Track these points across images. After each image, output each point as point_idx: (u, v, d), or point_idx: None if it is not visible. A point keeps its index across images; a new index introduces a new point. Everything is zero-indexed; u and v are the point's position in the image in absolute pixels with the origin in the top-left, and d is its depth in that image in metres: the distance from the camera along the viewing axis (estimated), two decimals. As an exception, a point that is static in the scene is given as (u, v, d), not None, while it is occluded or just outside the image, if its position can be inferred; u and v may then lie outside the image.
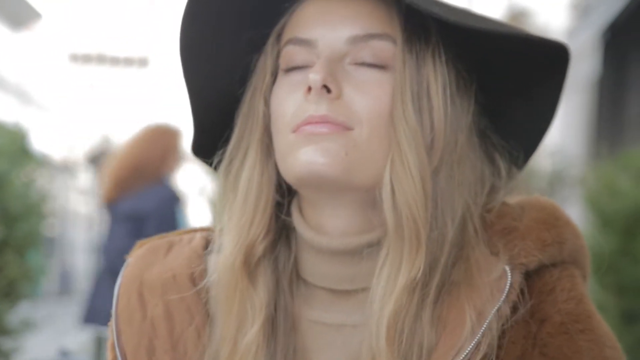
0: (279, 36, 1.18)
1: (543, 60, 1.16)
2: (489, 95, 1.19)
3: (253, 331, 1.13)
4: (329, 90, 1.10)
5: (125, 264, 1.23)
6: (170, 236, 1.25)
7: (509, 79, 1.19)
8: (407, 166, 1.09)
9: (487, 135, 1.19)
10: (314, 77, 1.09)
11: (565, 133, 11.28)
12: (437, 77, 1.12)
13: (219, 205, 1.20)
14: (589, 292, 1.16)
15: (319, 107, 1.10)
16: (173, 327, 1.16)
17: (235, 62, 1.19)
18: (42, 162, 5.96)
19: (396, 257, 1.09)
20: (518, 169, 1.22)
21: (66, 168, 30.49)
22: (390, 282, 1.09)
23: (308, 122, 1.10)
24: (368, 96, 1.11)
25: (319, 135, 1.09)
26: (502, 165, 1.19)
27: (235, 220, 1.16)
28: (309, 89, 1.10)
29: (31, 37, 24.98)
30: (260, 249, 1.15)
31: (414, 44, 1.12)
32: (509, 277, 1.09)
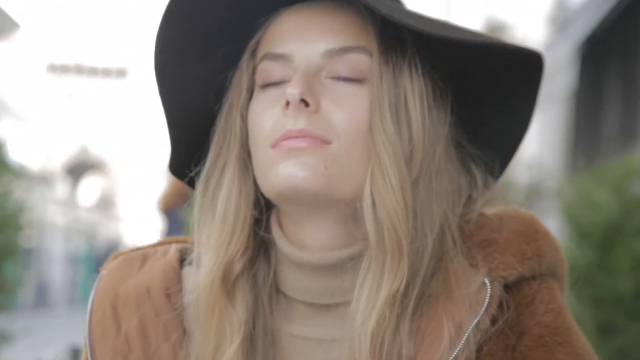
0: (254, 51, 1.17)
1: (518, 69, 1.16)
2: (465, 104, 1.19)
3: (232, 349, 1.13)
4: (307, 105, 1.10)
5: (99, 277, 1.22)
6: (144, 248, 1.25)
7: (484, 88, 1.19)
8: (387, 178, 1.09)
9: (463, 145, 1.19)
10: (292, 91, 1.09)
11: (543, 145, 11.32)
12: (414, 89, 1.12)
13: (196, 222, 1.19)
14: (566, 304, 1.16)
15: (297, 122, 1.09)
16: (148, 343, 1.15)
17: (210, 78, 1.18)
18: (20, 172, 5.93)
19: (378, 269, 1.09)
20: (494, 179, 1.22)
21: (44, 179, 30.36)
22: (372, 295, 1.09)
23: (287, 137, 1.10)
24: (346, 109, 1.11)
25: (298, 149, 1.09)
26: (478, 175, 1.19)
27: (214, 238, 1.15)
28: (287, 103, 1.10)
29: (9, 47, 24.87)
30: (238, 266, 1.14)
31: (390, 56, 1.12)
32: (489, 290, 1.09)
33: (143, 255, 1.23)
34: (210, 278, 1.13)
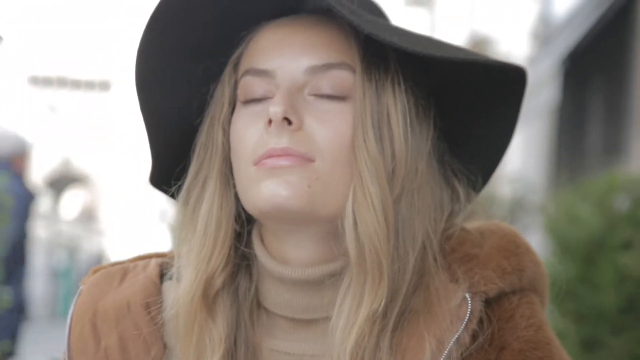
0: (235, 65, 1.17)
1: (501, 84, 1.16)
2: (448, 118, 1.19)
3: None
4: (289, 122, 1.09)
5: (78, 292, 1.21)
6: (124, 263, 1.24)
7: (467, 103, 1.19)
8: (368, 197, 1.08)
9: (445, 159, 1.18)
10: (275, 109, 1.08)
11: (526, 160, 11.35)
12: (396, 105, 1.12)
13: (177, 236, 1.18)
14: (547, 318, 1.16)
15: (280, 140, 1.09)
16: (128, 358, 1.15)
17: (192, 92, 1.18)
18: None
19: (358, 288, 1.09)
20: (476, 192, 1.22)
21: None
22: (351, 313, 1.09)
23: (269, 155, 1.09)
24: (329, 126, 1.10)
25: (281, 168, 1.09)
26: (460, 189, 1.19)
27: (195, 253, 1.14)
28: (270, 121, 1.09)
29: (-9, 60, 24.79)
30: (219, 281, 1.14)
31: (373, 73, 1.12)
32: (469, 305, 1.09)
33: (123, 269, 1.22)
34: (191, 293, 1.13)
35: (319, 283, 1.12)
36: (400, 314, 1.10)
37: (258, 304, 1.17)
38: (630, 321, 4.49)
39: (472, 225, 1.18)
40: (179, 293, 1.14)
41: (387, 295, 1.08)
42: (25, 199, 5.07)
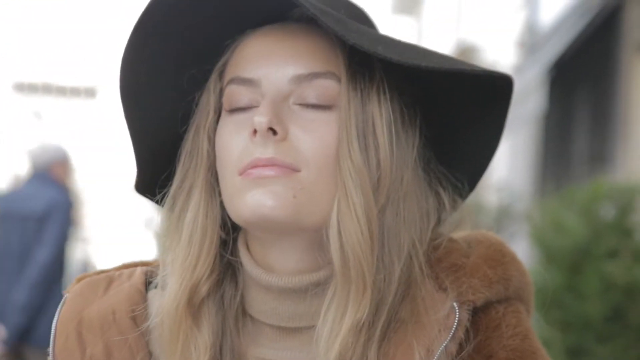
0: (221, 73, 1.16)
1: (487, 91, 1.16)
2: (434, 126, 1.19)
3: None
4: (275, 132, 1.09)
5: (62, 301, 1.20)
6: (109, 271, 1.23)
7: (453, 110, 1.19)
8: (352, 207, 1.08)
9: (431, 167, 1.18)
10: (260, 119, 1.08)
11: (512, 168, 11.38)
12: (382, 114, 1.12)
13: (162, 244, 1.18)
14: (533, 327, 1.16)
15: (265, 150, 1.09)
16: None
17: (177, 100, 1.17)
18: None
19: (342, 298, 1.09)
20: (462, 199, 1.22)
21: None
22: (335, 323, 1.08)
23: (255, 166, 1.09)
24: (314, 136, 1.10)
25: (267, 178, 1.08)
26: (445, 197, 1.19)
27: (180, 261, 1.14)
28: (255, 131, 1.09)
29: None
30: (204, 289, 1.13)
31: (358, 82, 1.11)
32: (457, 313, 1.09)
33: (108, 278, 1.21)
34: (176, 301, 1.12)
35: (305, 291, 1.12)
36: (387, 324, 1.10)
37: (243, 312, 1.17)
38: (615, 329, 4.50)
39: (458, 235, 1.19)
40: (164, 301, 1.14)
41: (371, 305, 1.08)
42: (65, 206, 5.14)
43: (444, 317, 1.09)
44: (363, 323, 1.08)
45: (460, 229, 1.20)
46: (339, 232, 1.08)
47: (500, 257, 1.15)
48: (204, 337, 1.13)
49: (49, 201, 5.05)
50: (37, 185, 5.17)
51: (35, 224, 5.03)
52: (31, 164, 5.36)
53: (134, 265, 1.24)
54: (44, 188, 5.13)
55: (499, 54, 12.72)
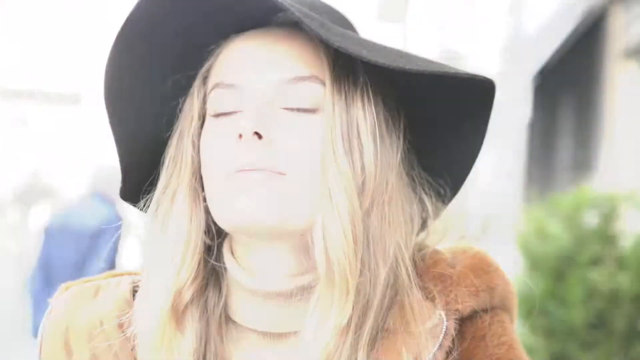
0: (205, 78, 1.16)
1: (470, 95, 1.17)
2: (417, 131, 1.19)
3: None
4: (260, 137, 1.09)
5: (49, 309, 1.20)
6: (96, 280, 1.23)
7: (437, 115, 1.19)
8: (337, 211, 1.08)
9: (414, 171, 1.19)
10: (245, 124, 1.08)
11: (497, 176, 11.39)
12: (366, 118, 1.12)
13: (146, 249, 1.17)
14: (517, 334, 1.17)
15: (250, 155, 1.09)
16: None
17: (161, 105, 1.17)
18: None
19: (326, 302, 1.09)
20: (444, 204, 1.23)
21: (-6, 205, 30.00)
22: (319, 327, 1.08)
23: (240, 170, 1.09)
24: (299, 140, 1.10)
25: (252, 182, 1.08)
26: (428, 202, 1.19)
27: (164, 267, 1.14)
28: (240, 136, 1.09)
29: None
30: (188, 294, 1.13)
31: (342, 85, 1.12)
32: (445, 322, 1.10)
33: (95, 287, 1.21)
34: (160, 307, 1.12)
35: (290, 296, 1.12)
36: (376, 331, 1.10)
37: (227, 318, 1.17)
38: (599, 337, 4.51)
39: (443, 247, 1.19)
40: (148, 306, 1.14)
41: (356, 308, 1.08)
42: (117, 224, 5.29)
43: (432, 326, 1.10)
44: (349, 326, 1.08)
45: (447, 238, 1.21)
46: (323, 236, 1.08)
47: (485, 267, 1.16)
48: (188, 342, 1.12)
49: (102, 219, 5.31)
50: (92, 203, 5.53)
51: (89, 240, 5.34)
52: (92, 183, 5.71)
53: (121, 274, 1.24)
54: (99, 206, 5.48)
55: (483, 61, 12.74)
